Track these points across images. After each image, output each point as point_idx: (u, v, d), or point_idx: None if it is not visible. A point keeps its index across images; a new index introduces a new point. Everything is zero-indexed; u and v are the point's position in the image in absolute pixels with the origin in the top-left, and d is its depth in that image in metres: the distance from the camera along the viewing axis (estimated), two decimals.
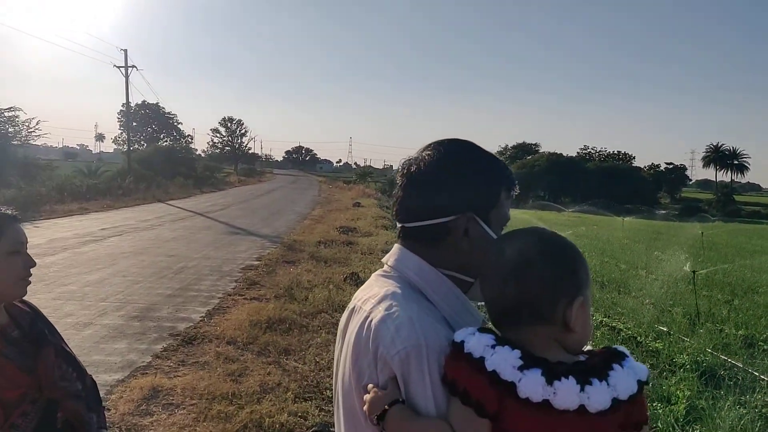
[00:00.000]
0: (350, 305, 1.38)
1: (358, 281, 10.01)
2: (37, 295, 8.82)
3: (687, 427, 5.11)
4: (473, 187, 1.36)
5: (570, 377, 1.09)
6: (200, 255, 13.50)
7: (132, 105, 55.33)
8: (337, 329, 1.49)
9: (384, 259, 1.44)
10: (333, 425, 2.77)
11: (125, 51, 44.06)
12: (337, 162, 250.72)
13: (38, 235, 15.24)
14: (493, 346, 1.13)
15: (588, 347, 1.23)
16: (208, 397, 5.35)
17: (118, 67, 43.93)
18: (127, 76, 43.67)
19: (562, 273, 1.19)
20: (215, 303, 8.98)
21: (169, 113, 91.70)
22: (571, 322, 1.16)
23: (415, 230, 1.38)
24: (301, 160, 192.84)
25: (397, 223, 1.42)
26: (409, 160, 1.41)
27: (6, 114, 33.12)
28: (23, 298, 1.90)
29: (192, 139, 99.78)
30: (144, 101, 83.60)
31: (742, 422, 5.09)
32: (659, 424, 5.09)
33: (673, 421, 5.15)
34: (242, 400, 5.29)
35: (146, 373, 5.99)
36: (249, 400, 5.28)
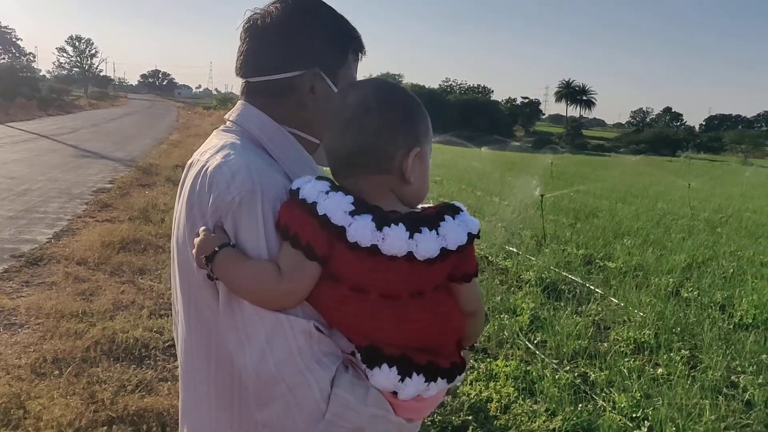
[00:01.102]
0: (188, 161, 1.32)
1: None
2: None
3: (530, 335, 5.50)
4: (321, 44, 1.32)
5: (400, 224, 1.11)
6: (46, 177, 12.64)
7: None
8: None
9: (226, 116, 1.38)
10: None
11: None
12: (196, 87, 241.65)
13: None
14: (327, 193, 1.13)
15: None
16: (56, 316, 5.08)
17: None
18: None
19: (400, 121, 1.19)
20: (63, 225, 8.47)
21: (5, 27, 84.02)
22: (407, 172, 1.18)
23: (258, 85, 1.33)
24: (158, 84, 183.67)
25: (240, 79, 1.37)
26: (255, 13, 1.34)
27: None
28: None
29: (34, 57, 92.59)
30: None
31: (577, 328, 5.59)
32: (505, 333, 5.44)
33: (518, 329, 5.53)
34: (94, 317, 5.08)
35: None
36: (101, 318, 5.08)
